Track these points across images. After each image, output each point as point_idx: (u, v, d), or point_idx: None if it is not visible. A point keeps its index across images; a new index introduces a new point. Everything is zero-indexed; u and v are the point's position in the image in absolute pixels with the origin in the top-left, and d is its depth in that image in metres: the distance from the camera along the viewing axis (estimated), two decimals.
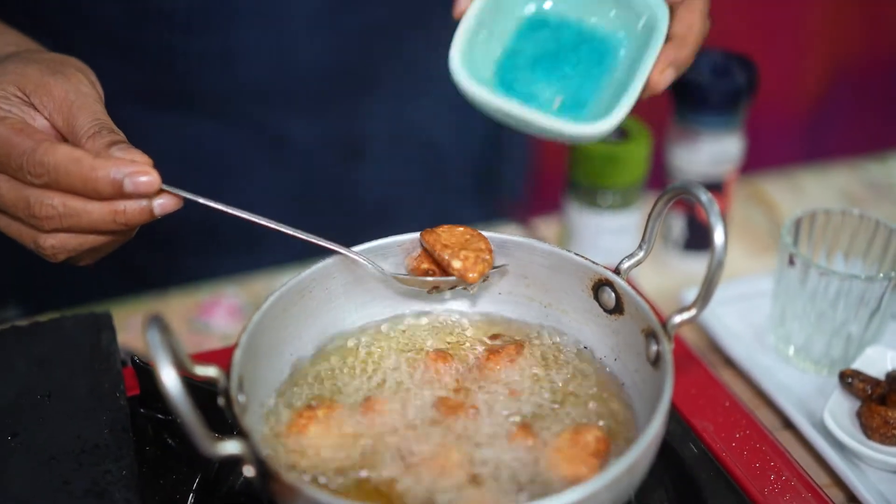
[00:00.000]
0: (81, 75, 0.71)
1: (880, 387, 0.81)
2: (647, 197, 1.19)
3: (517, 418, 0.68)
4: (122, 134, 0.69)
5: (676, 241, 1.11)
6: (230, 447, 0.58)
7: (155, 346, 0.55)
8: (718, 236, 0.64)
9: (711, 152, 1.05)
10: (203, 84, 1.04)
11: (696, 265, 1.10)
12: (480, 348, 0.73)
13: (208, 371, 0.63)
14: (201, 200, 0.70)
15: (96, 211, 0.67)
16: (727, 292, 0.95)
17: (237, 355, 0.64)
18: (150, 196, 0.67)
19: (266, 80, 1.06)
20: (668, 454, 0.74)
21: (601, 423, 0.68)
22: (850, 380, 0.81)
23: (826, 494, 0.72)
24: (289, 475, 0.58)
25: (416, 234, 0.75)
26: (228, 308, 1.07)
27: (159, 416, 0.75)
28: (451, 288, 0.75)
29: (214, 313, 1.07)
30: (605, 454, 0.65)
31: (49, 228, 0.68)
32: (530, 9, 0.79)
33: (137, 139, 1.03)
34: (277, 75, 1.05)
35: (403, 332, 0.75)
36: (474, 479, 0.63)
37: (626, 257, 0.72)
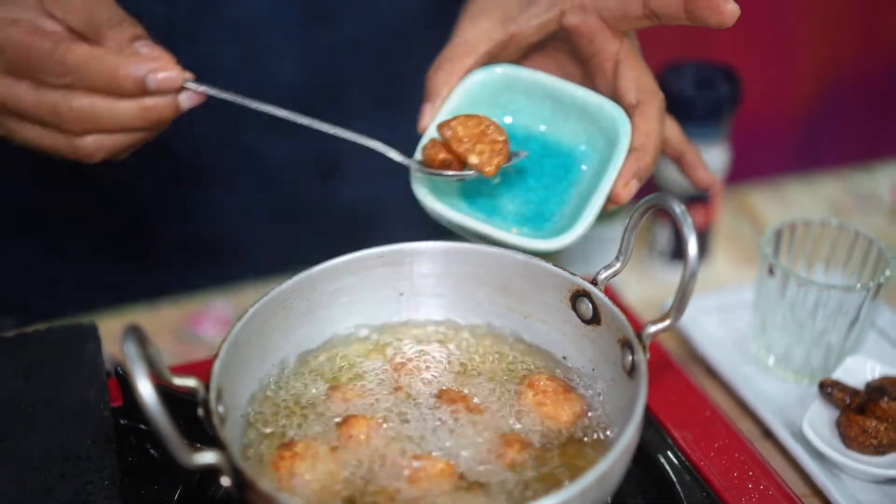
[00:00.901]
0: None
1: (859, 396, 0.81)
2: (633, 208, 1.19)
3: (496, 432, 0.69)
4: (140, 26, 0.70)
5: (662, 251, 1.11)
6: (207, 457, 0.59)
7: (131, 357, 0.56)
8: (691, 247, 0.65)
9: None
10: None
11: None
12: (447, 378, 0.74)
13: (187, 382, 0.64)
14: (226, 96, 0.73)
15: (124, 109, 0.68)
16: (710, 302, 0.96)
17: (216, 367, 0.65)
18: (173, 91, 0.69)
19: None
20: (646, 463, 0.75)
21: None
22: (830, 389, 0.82)
23: None
24: (264, 484, 0.59)
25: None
26: (217, 318, 1.08)
27: (142, 426, 0.75)
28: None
29: (203, 323, 1.07)
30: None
31: (80, 130, 0.68)
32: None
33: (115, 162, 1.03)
34: (251, 91, 1.06)
35: (380, 345, 0.76)
36: (465, 484, 0.64)
37: (604, 268, 0.73)
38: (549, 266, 0.74)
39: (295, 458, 0.65)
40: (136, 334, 0.58)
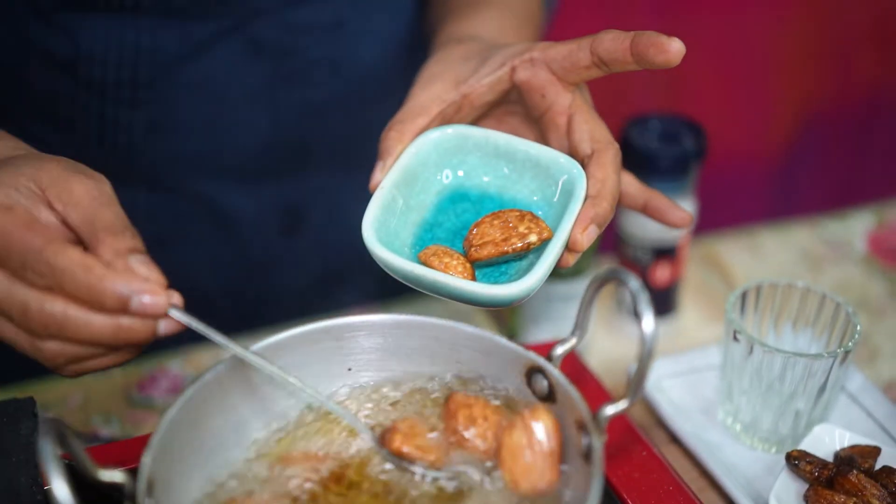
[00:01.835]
0: (103, 177, 0.68)
1: (828, 469, 0.78)
2: (600, 262, 1.17)
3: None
4: (141, 241, 0.66)
5: (629, 305, 1.09)
6: None
7: (46, 457, 0.53)
8: (647, 325, 0.62)
9: None
10: (138, 155, 1.02)
11: None
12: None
13: (113, 476, 0.60)
14: (211, 334, 0.67)
15: (98, 324, 0.63)
16: (675, 365, 0.93)
17: (146, 459, 0.61)
18: (156, 317, 0.64)
19: (203, 153, 1.04)
20: None
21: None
22: (797, 462, 0.79)
23: None
24: None
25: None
26: (171, 381, 1.05)
27: None
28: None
29: (156, 387, 1.04)
30: None
31: (44, 334, 0.63)
32: (447, 181, 0.79)
33: None
34: (214, 148, 1.04)
35: (326, 424, 0.72)
36: None
37: (559, 343, 0.70)
38: (502, 340, 0.71)
39: None
40: (54, 428, 0.55)
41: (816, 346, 0.88)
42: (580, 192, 0.73)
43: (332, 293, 1.15)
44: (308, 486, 0.68)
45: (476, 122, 0.81)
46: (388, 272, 0.72)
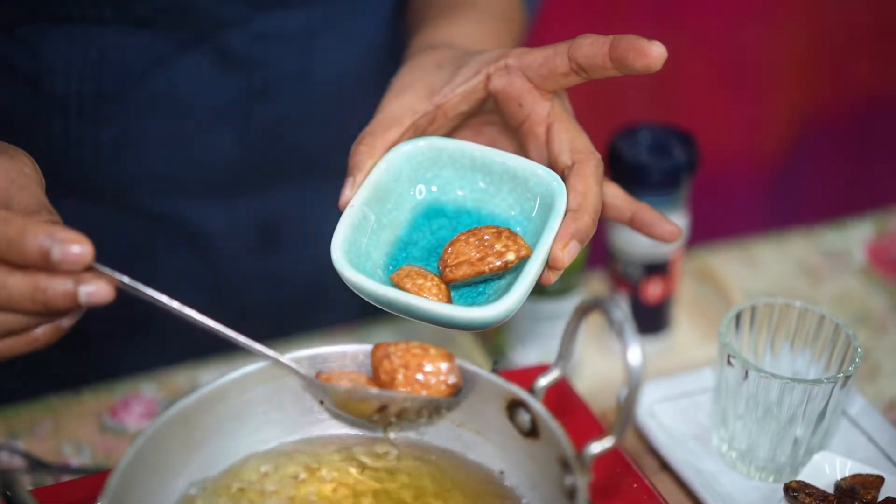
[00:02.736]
0: (26, 158, 0.65)
1: (828, 501, 0.75)
2: (589, 279, 1.13)
3: None
4: (59, 219, 0.63)
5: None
6: None
7: None
8: (633, 357, 0.58)
9: None
10: (103, 172, 0.98)
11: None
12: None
13: None
14: (141, 288, 0.64)
15: (16, 285, 0.59)
16: (668, 389, 0.89)
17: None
18: (79, 269, 0.59)
19: (171, 169, 1.00)
20: None
21: None
22: (796, 494, 0.75)
23: None
24: None
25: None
26: (145, 406, 1.01)
27: None
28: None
29: (129, 412, 1.00)
30: None
31: None
32: (420, 196, 0.75)
33: None
34: (183, 164, 1.00)
35: (295, 464, 0.68)
36: None
37: (542, 375, 0.66)
38: (481, 371, 0.67)
39: None
40: (5, 479, 0.51)
41: (815, 369, 0.84)
42: (560, 206, 0.69)
43: (311, 312, 1.11)
44: None
45: (451, 133, 0.77)
46: (360, 295, 0.69)
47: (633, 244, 1.00)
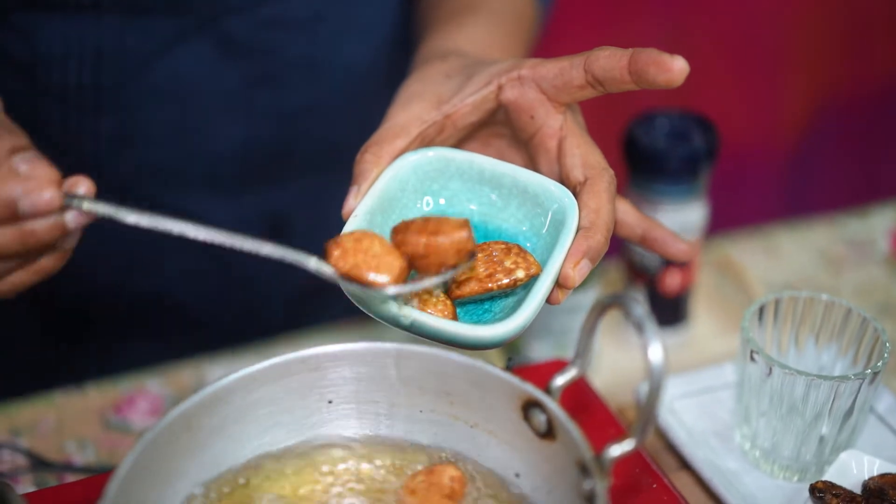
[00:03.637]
0: None
1: (856, 502, 0.72)
2: (606, 270, 1.10)
3: None
4: (24, 137, 0.62)
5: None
6: None
7: None
8: (655, 355, 0.56)
9: (671, 223, 0.96)
10: (104, 165, 0.96)
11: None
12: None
13: None
14: (125, 214, 0.65)
15: (2, 237, 0.59)
16: (687, 385, 0.86)
17: None
18: (52, 212, 0.60)
19: (174, 161, 0.97)
20: None
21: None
22: (822, 494, 0.72)
23: None
24: None
25: None
26: (150, 403, 0.98)
27: None
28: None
29: (134, 409, 0.98)
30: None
31: None
32: (427, 208, 0.72)
33: None
34: (187, 156, 0.97)
35: (303, 467, 0.66)
36: None
37: (559, 373, 0.63)
38: (495, 370, 0.65)
39: None
40: None
41: (842, 364, 0.81)
42: (572, 223, 0.67)
43: (319, 306, 1.08)
44: None
45: (459, 144, 0.74)
46: (362, 310, 0.66)
47: None
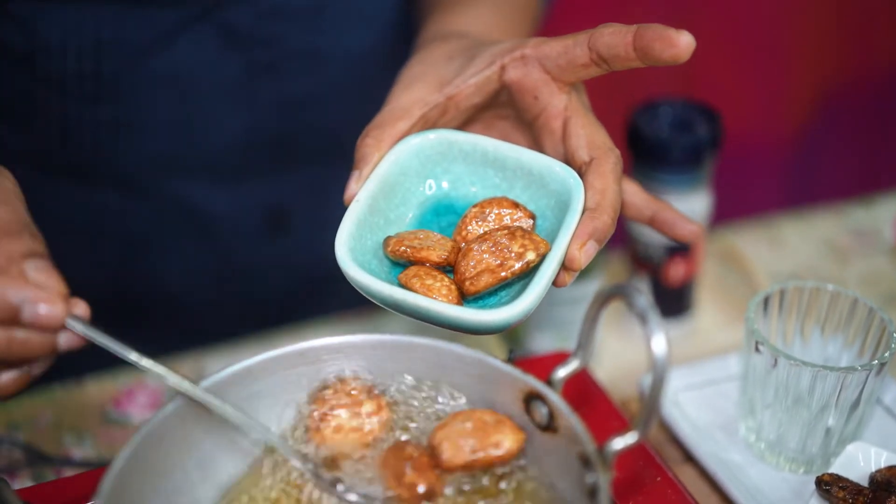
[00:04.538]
0: (6, 172, 0.63)
1: (863, 495, 0.71)
2: (609, 260, 1.09)
3: None
4: (42, 244, 0.59)
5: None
6: None
7: None
8: (658, 347, 0.55)
9: None
10: (104, 155, 0.95)
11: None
12: None
13: None
14: (113, 346, 0.61)
15: None
16: (691, 376, 0.85)
17: None
18: (52, 329, 0.57)
19: (175, 151, 0.96)
20: None
21: None
22: (829, 487, 0.71)
23: None
24: None
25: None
26: (150, 396, 0.98)
27: None
28: None
29: (134, 403, 0.97)
30: None
31: None
32: (430, 192, 0.71)
33: (33, 210, 0.93)
34: (187, 146, 0.96)
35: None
36: None
37: (561, 366, 0.62)
38: (496, 362, 0.64)
39: None
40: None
41: (848, 354, 0.80)
42: (577, 205, 0.65)
43: (320, 298, 1.07)
44: None
45: (462, 126, 0.73)
46: (365, 296, 0.65)
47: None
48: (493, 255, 0.65)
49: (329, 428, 0.64)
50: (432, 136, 0.70)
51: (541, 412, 0.62)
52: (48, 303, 0.56)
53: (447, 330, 0.64)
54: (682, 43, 0.63)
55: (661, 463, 0.73)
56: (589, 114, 0.69)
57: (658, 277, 0.99)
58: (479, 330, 0.62)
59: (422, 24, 0.83)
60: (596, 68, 0.67)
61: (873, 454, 0.74)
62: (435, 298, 0.63)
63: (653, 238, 0.97)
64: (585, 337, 0.61)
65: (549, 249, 0.64)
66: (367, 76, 0.99)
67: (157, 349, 1.01)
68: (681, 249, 0.98)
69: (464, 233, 0.68)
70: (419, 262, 0.66)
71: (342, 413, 0.64)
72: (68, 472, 0.87)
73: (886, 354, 0.74)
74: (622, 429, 0.57)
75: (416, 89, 0.70)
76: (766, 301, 0.79)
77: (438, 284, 0.64)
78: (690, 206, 0.96)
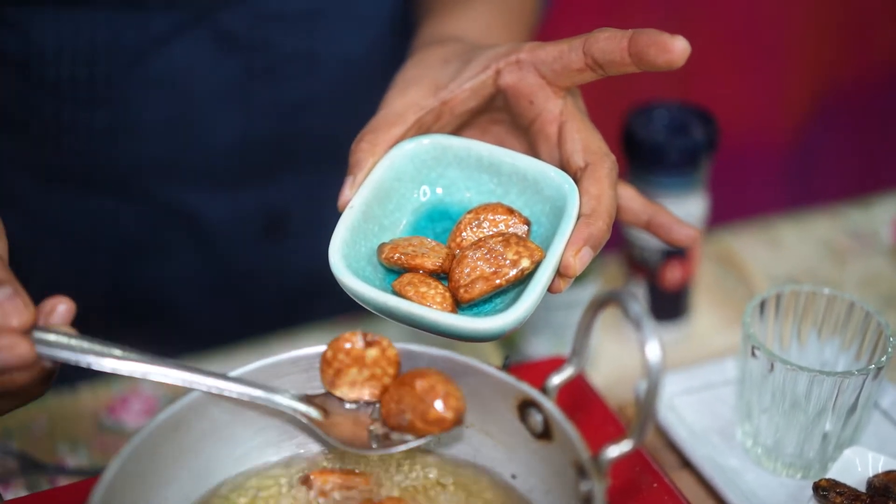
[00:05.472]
0: None
1: (861, 500, 0.70)
2: (606, 264, 1.09)
3: None
4: (10, 274, 0.58)
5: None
6: None
7: None
8: (652, 353, 0.54)
9: None
10: (99, 160, 0.94)
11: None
12: None
13: None
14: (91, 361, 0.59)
15: None
16: (689, 381, 0.85)
17: None
18: (23, 368, 0.56)
19: (171, 156, 0.96)
20: None
21: None
22: (826, 493, 0.71)
23: None
24: None
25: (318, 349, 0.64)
26: (144, 403, 0.97)
27: None
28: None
29: (128, 410, 0.97)
30: None
31: None
32: (424, 198, 0.71)
33: (29, 216, 0.93)
34: (183, 151, 0.96)
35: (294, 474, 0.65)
36: None
37: (555, 372, 0.62)
38: (490, 369, 0.63)
39: None
40: None
41: (845, 358, 0.79)
42: (573, 210, 0.65)
43: (316, 303, 1.07)
44: None
45: (457, 131, 0.72)
46: (359, 303, 0.64)
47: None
48: (488, 262, 0.64)
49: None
50: (427, 141, 0.69)
51: (535, 420, 0.62)
52: (9, 350, 0.55)
53: (442, 337, 0.63)
54: (677, 48, 0.63)
55: (657, 469, 0.72)
56: (584, 118, 0.69)
57: (654, 281, 0.99)
58: (473, 338, 0.62)
59: (418, 26, 0.83)
60: (591, 73, 0.67)
61: (871, 459, 0.74)
62: (429, 306, 0.63)
63: (649, 242, 0.97)
64: (580, 343, 0.61)
65: (544, 256, 0.64)
66: (363, 80, 0.99)
67: (157, 352, 1.01)
68: (677, 253, 0.97)
69: (458, 239, 0.68)
70: (413, 270, 0.65)
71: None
72: (62, 481, 0.87)
73: (883, 359, 0.74)
74: (619, 434, 0.57)
75: (410, 93, 0.69)
76: (763, 305, 0.79)
77: (433, 292, 0.64)
78: (686, 209, 0.95)
